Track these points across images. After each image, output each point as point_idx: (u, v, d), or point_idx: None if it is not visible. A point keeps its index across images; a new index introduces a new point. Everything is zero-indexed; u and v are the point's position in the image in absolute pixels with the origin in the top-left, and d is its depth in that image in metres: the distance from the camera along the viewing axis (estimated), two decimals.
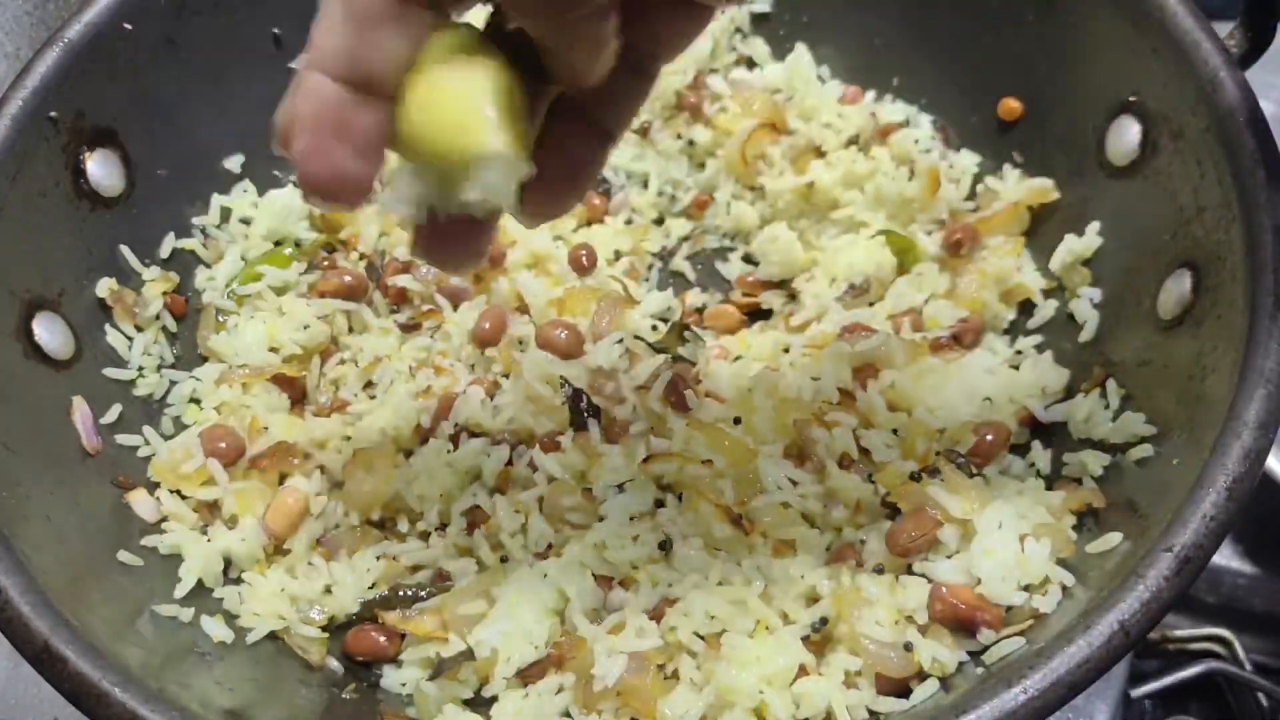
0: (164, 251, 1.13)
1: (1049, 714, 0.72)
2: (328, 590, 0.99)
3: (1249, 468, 0.77)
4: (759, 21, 1.29)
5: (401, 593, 0.97)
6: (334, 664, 0.97)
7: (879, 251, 1.11)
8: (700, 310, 1.16)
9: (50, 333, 0.99)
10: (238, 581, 0.99)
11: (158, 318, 1.10)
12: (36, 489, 0.90)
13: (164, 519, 1.00)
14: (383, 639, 0.97)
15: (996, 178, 1.14)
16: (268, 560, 1.01)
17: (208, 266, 1.16)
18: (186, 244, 1.15)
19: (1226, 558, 1.23)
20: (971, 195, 1.16)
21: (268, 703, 0.88)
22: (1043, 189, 1.09)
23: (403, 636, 0.97)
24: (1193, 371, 0.87)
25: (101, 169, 1.06)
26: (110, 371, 1.05)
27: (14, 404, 0.93)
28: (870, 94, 1.23)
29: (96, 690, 0.76)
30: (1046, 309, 1.08)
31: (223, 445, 1.02)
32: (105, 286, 1.05)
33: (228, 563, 1.00)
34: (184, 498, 1.02)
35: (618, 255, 1.19)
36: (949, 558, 0.90)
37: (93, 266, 1.05)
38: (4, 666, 1.16)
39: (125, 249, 1.09)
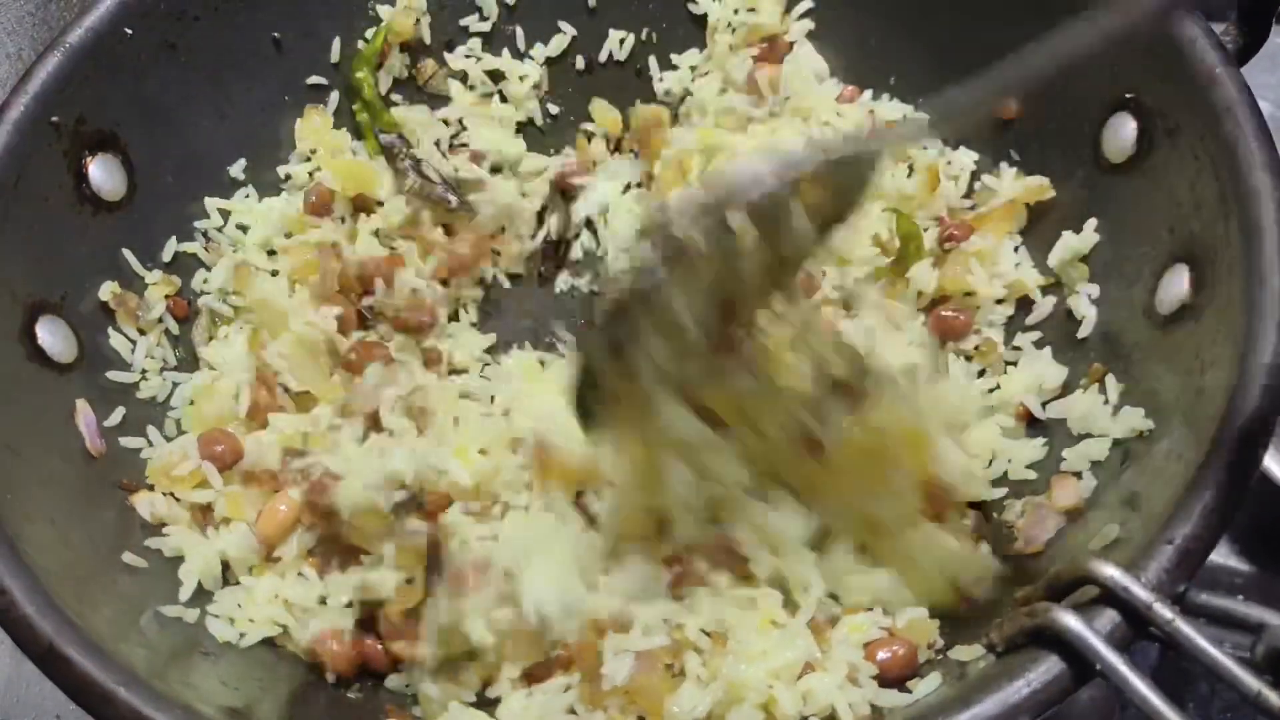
0: (166, 255, 1.13)
1: (1051, 706, 0.72)
2: (322, 601, 0.98)
3: (1250, 461, 0.77)
4: None
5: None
6: None
7: (882, 223, 1.11)
8: None
9: (53, 336, 0.99)
10: (238, 584, 0.99)
11: (160, 320, 1.10)
12: (41, 491, 0.90)
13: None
14: (379, 647, 0.96)
15: (994, 175, 1.15)
16: (263, 565, 1.01)
17: (209, 270, 1.16)
18: (188, 247, 1.15)
19: (1223, 556, 1.23)
20: (969, 193, 1.16)
21: (272, 702, 0.89)
22: (1039, 186, 1.10)
23: None
24: (1191, 366, 0.87)
25: (103, 173, 1.06)
26: (113, 375, 1.05)
27: (17, 407, 0.93)
28: (867, 93, 1.23)
29: (101, 690, 0.76)
30: (1045, 305, 1.08)
31: (219, 449, 1.02)
32: (108, 290, 1.06)
33: (226, 566, 1.00)
34: (178, 500, 1.02)
35: None
36: None
37: (95, 270, 1.06)
38: (6, 665, 1.16)
39: (127, 252, 1.09)
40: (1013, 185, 1.12)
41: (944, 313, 1.09)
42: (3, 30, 1.34)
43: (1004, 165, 1.14)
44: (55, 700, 1.09)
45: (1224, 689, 1.07)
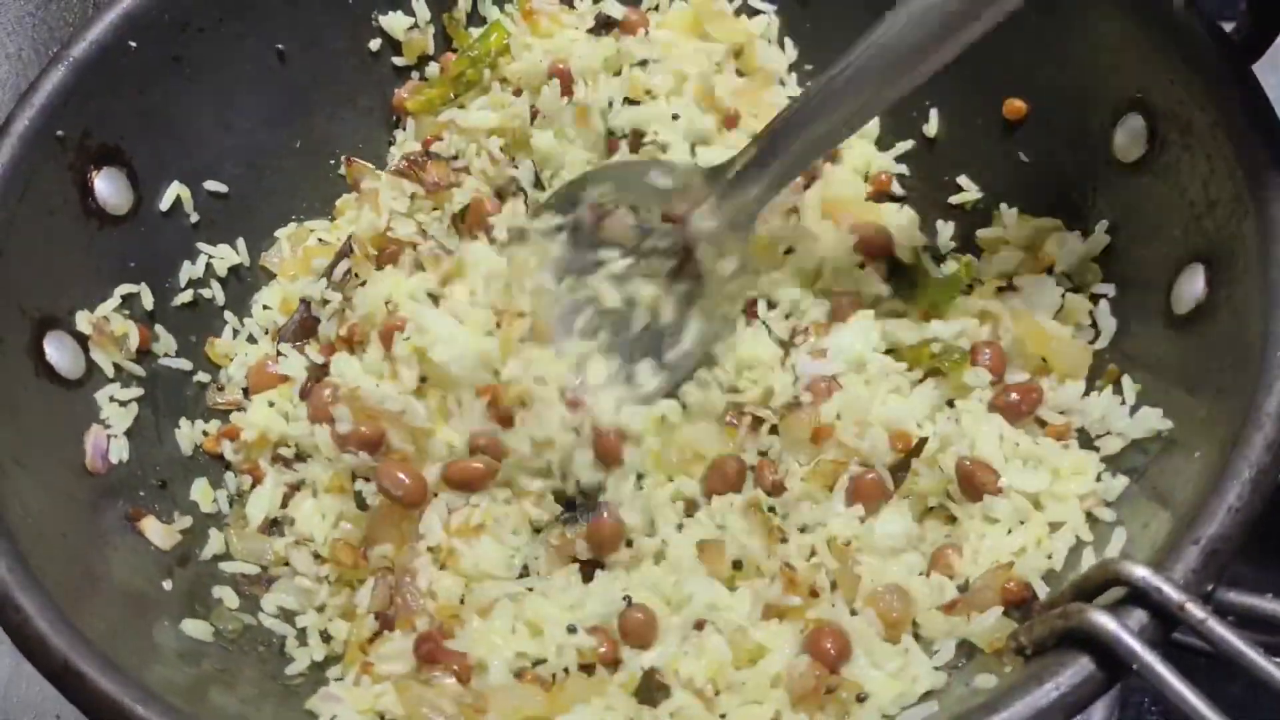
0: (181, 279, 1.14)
1: (1082, 709, 0.71)
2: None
3: (1272, 458, 0.77)
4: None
5: None
6: None
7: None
8: None
9: (60, 352, 0.99)
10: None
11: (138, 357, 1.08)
12: (51, 507, 0.90)
13: (178, 540, 1.00)
14: None
15: (996, 215, 1.13)
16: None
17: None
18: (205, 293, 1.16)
19: None
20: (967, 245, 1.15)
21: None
22: (1048, 225, 1.08)
23: None
24: (1210, 364, 0.87)
25: (108, 186, 1.06)
26: (120, 391, 1.04)
27: (27, 423, 0.93)
28: None
29: (117, 706, 0.75)
30: None
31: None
32: (84, 319, 1.03)
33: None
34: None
35: None
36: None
37: (102, 284, 1.05)
38: (6, 665, 1.16)
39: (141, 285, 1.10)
40: (1018, 231, 1.10)
41: None
42: (2, 30, 1.34)
43: (1004, 206, 1.12)
44: (55, 700, 1.08)
45: (1225, 689, 1.07)
